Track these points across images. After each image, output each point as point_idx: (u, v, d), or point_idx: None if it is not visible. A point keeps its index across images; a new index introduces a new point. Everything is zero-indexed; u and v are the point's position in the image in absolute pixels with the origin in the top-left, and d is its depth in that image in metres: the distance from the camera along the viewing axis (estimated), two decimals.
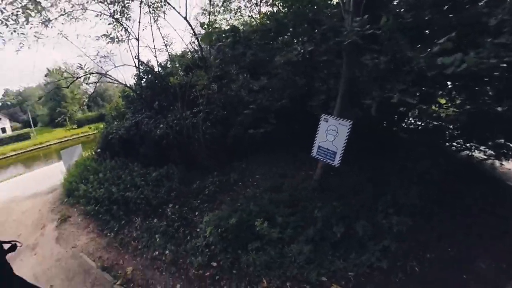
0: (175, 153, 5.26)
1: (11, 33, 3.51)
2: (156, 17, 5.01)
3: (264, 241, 2.93)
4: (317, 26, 3.45)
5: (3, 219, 5.02)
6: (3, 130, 33.52)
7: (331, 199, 3.41)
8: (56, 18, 4.00)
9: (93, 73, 5.09)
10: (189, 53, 6.85)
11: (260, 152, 5.25)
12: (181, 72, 5.70)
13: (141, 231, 3.72)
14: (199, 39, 5.40)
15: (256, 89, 4.75)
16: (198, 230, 3.43)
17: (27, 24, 3.62)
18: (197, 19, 6.23)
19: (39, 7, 3.66)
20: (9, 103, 43.42)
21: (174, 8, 4.76)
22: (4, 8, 3.31)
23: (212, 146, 5.28)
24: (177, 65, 6.52)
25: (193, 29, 4.90)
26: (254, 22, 6.18)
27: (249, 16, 7.53)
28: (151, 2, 4.82)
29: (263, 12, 6.59)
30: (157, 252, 3.31)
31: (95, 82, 5.93)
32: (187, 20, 4.76)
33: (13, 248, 1.13)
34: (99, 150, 6.56)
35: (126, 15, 4.67)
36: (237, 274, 2.75)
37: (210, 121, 5.26)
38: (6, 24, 3.40)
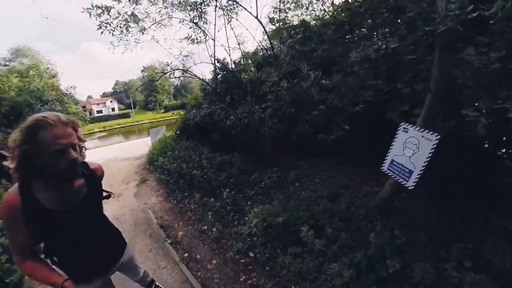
0: (241, 143, 5.64)
1: (118, 40, 4.71)
2: (229, 19, 5.42)
3: (305, 249, 2.73)
4: (400, 15, 2.87)
5: (105, 170, 6.67)
6: (113, 109, 48.72)
7: (393, 225, 2.90)
8: (149, 27, 5.04)
9: (177, 70, 5.89)
10: (261, 51, 7.06)
11: (324, 155, 5.04)
12: (252, 69, 5.96)
13: (198, 206, 4.14)
14: (269, 36, 5.56)
15: (327, 88, 4.53)
16: (246, 218, 3.55)
17: (128, 33, 4.69)
18: (268, 17, 6.43)
19: (137, 19, 4.70)
20: (118, 90, 61.39)
21: (245, 8, 5.04)
22: (111, 22, 4.36)
23: (276, 142, 5.40)
24: (249, 62, 6.84)
25: (264, 27, 5.10)
26: (327, 16, 5.91)
27: (321, 10, 7.13)
28: (224, 6, 5.23)
29: (336, 4, 6.20)
30: (206, 227, 3.60)
31: (178, 77, 6.85)
32: (258, 19, 5.00)
33: (107, 196, 1.40)
34: (178, 132, 7.68)
35: (203, 19, 5.30)
36: (269, 271, 2.70)
37: (277, 117, 5.41)
38: (112, 34, 4.52)
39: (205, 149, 5.95)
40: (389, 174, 2.83)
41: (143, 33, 4.92)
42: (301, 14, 7.24)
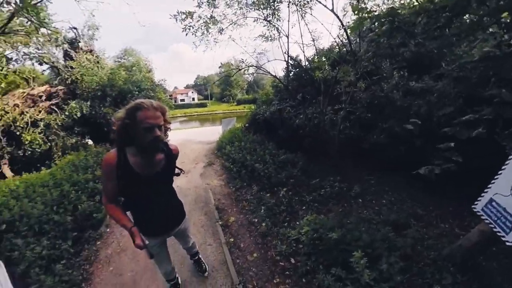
0: (307, 144, 5.49)
1: (199, 41, 5.26)
2: (303, 14, 5.16)
3: (350, 276, 2.35)
4: None
5: (180, 149, 8.01)
6: (193, 99, 58.03)
7: (467, 285, 2.25)
8: (226, 27, 5.37)
9: (251, 66, 6.11)
10: (337, 47, 6.52)
11: (399, 174, 4.42)
12: (327, 67, 5.60)
13: (254, 197, 4.27)
14: (349, 29, 5.02)
15: (415, 92, 3.89)
16: (297, 223, 3.43)
17: (208, 33, 5.19)
18: (344, 10, 5.77)
19: (215, 21, 5.14)
20: (198, 83, 71.86)
21: (320, 2, 4.65)
22: (194, 25, 4.92)
23: (344, 148, 5.05)
24: (324, 59, 6.46)
25: (340, 21, 4.63)
26: (416, 2, 4.84)
27: None
28: (297, 1, 5.00)
29: None
30: (256, 220, 3.66)
31: (252, 73, 7.09)
32: (334, 13, 4.56)
33: (178, 173, 1.69)
34: (247, 125, 8.15)
35: (276, 16, 5.23)
36: (305, 284, 2.53)
37: (349, 121, 5.02)
38: (195, 35, 5.08)
39: (270, 144, 6.09)
40: (482, 217, 2.08)
41: (221, 33, 5.34)
42: (383, 3, 6.30)
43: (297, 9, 5.00)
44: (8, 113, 6.56)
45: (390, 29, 2.80)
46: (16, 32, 4.53)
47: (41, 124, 6.94)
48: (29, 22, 4.71)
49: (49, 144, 7.10)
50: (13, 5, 3.50)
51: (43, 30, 6.06)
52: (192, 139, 10.15)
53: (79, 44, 8.17)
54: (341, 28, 5.57)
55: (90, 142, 8.31)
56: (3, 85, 6.64)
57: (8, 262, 2.73)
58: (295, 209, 3.86)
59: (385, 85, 4.55)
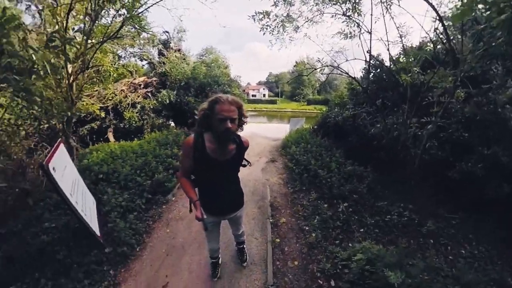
0: (380, 158, 4.85)
1: (275, 39, 5.22)
2: (388, 6, 4.33)
3: None
4: None
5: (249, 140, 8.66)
6: (264, 95, 61.31)
7: None
8: (302, 25, 5.13)
9: (327, 66, 5.71)
10: (430, 44, 5.33)
11: (494, 220, 3.49)
12: (415, 69, 4.59)
13: (310, 204, 4.06)
14: (451, 19, 3.91)
15: None
16: (350, 245, 3.11)
17: (284, 32, 5.10)
18: None
19: (291, 19, 5.01)
20: (270, 80, 72.99)
21: None
22: (271, 24, 4.93)
23: (426, 171, 4.24)
24: (411, 59, 5.38)
25: (436, 11, 3.65)
26: None
27: None
28: None
29: None
30: (307, 228, 3.49)
31: (327, 74, 6.62)
32: (428, 2, 3.62)
33: (245, 165, 1.91)
34: (315, 127, 7.82)
35: (357, 10, 4.59)
36: None
37: (438, 139, 4.15)
38: (272, 34, 5.06)
39: (338, 151, 5.70)
40: None
41: (296, 31, 5.20)
42: None
43: (381, 1, 4.35)
44: (116, 95, 8.40)
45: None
46: (124, 37, 5.71)
47: (138, 106, 8.62)
48: (133, 29, 5.84)
49: (141, 121, 8.70)
50: (122, 16, 4.49)
51: (143, 34, 7.38)
52: (259, 134, 10.63)
53: (170, 44, 9.78)
54: (435, 19, 4.60)
55: (172, 124, 9.74)
56: (115, 75, 8.45)
57: (98, 201, 3.57)
58: (351, 228, 3.49)
59: (496, 96, 3.51)
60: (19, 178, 3.63)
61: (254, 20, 4.81)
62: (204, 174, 1.74)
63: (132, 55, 9.68)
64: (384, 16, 4.43)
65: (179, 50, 9.81)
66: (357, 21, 4.68)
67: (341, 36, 4.90)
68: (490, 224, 3.51)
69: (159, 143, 6.49)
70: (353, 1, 4.49)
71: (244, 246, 2.80)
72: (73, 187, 2.59)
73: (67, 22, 4.04)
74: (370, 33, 4.61)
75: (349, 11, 4.65)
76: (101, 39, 4.55)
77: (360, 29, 4.74)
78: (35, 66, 2.22)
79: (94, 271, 2.67)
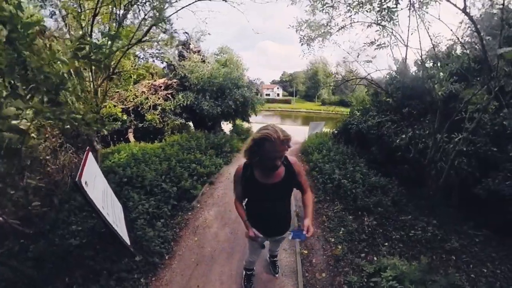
0: (404, 171, 4.99)
1: (308, 48, 5.36)
2: (422, 14, 4.26)
3: None
4: None
5: None
6: (278, 95, 62.30)
7: None
8: (334, 33, 5.11)
9: (359, 78, 5.73)
10: (457, 49, 5.27)
11: None
12: (444, 76, 4.44)
13: (335, 215, 4.25)
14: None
15: None
16: (375, 258, 3.29)
17: (314, 40, 5.19)
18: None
19: (324, 27, 5.03)
20: (284, 79, 73.45)
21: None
22: (311, 35, 5.01)
23: (452, 187, 4.38)
24: (440, 67, 5.24)
25: (471, 18, 3.63)
26: None
27: None
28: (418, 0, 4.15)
29: None
30: (333, 239, 3.69)
31: (355, 84, 6.66)
32: (465, 12, 3.59)
33: (298, 187, 2.00)
34: (336, 132, 7.96)
35: (392, 19, 4.48)
36: None
37: (465, 153, 4.11)
38: (308, 45, 5.23)
39: (361, 161, 5.85)
40: None
41: (327, 39, 5.21)
42: None
43: (415, 9, 4.27)
44: (137, 97, 8.77)
45: None
46: (148, 40, 5.82)
47: (159, 108, 8.96)
48: (161, 32, 5.96)
49: (162, 123, 9.06)
50: (150, 19, 4.54)
51: (162, 35, 7.40)
52: None
53: (190, 46, 10.05)
54: (469, 27, 4.48)
55: (191, 125, 10.13)
56: (134, 76, 8.84)
57: (123, 206, 3.63)
58: (376, 242, 3.68)
59: None
60: (44, 179, 3.77)
61: (296, 31, 4.92)
62: (255, 198, 1.92)
63: (150, 56, 10.10)
64: (418, 26, 4.36)
65: (198, 51, 10.10)
66: (392, 31, 4.63)
67: (374, 46, 4.87)
68: None
69: (182, 147, 6.83)
70: (387, 9, 4.36)
71: (277, 259, 3.02)
72: (104, 197, 2.66)
73: (92, 27, 4.16)
74: (407, 45, 4.58)
75: (383, 21, 4.58)
76: (127, 44, 4.63)
77: (395, 39, 4.69)
78: (64, 81, 2.09)
79: (125, 279, 2.75)
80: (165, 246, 3.38)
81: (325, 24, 4.92)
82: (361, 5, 4.46)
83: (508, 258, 3.53)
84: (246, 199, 2.03)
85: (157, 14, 4.51)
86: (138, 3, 4.32)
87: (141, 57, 10.08)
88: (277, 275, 2.96)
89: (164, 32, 5.87)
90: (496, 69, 3.55)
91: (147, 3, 4.25)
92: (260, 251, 2.47)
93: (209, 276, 2.96)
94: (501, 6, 3.67)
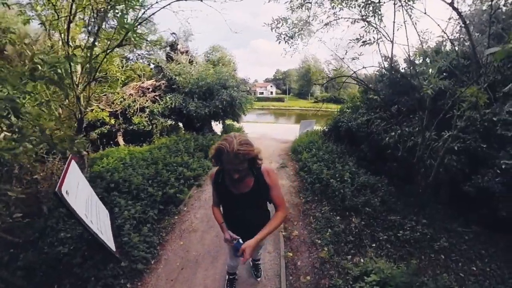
0: (393, 169, 4.96)
1: (290, 46, 5.22)
2: (409, 9, 4.17)
3: None
4: None
5: (256, 143, 9.19)
6: (271, 93, 62.46)
7: None
8: (317, 30, 5.06)
9: (344, 76, 5.67)
10: (447, 45, 5.24)
11: (509, 238, 3.58)
12: (434, 73, 4.40)
13: (322, 217, 4.17)
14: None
15: None
16: (362, 260, 3.23)
17: (300, 39, 5.11)
18: None
19: (309, 28, 4.98)
20: (277, 77, 73.93)
21: None
22: (288, 33, 4.90)
23: (440, 184, 4.34)
24: (429, 62, 5.21)
25: (460, 15, 3.58)
26: None
27: None
28: None
29: None
30: (319, 241, 3.61)
31: (342, 82, 6.56)
32: (453, 7, 3.55)
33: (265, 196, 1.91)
34: (326, 129, 7.91)
35: (377, 15, 4.40)
36: None
37: (454, 150, 4.03)
38: (287, 42, 5.06)
39: (350, 159, 5.82)
40: None
41: (310, 36, 5.15)
42: None
43: (402, 5, 4.20)
44: (125, 99, 8.66)
45: None
46: (128, 44, 5.65)
47: (147, 110, 8.87)
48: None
49: (150, 126, 9.01)
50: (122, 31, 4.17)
51: (150, 37, 7.57)
52: (267, 135, 10.97)
53: (178, 46, 9.98)
54: (458, 23, 4.43)
55: (180, 125, 10.10)
56: (122, 78, 8.72)
57: (110, 212, 3.64)
58: (363, 243, 3.62)
59: None
60: (32, 187, 3.76)
61: (272, 29, 4.78)
62: (225, 205, 1.94)
63: (140, 57, 10.07)
64: (405, 22, 4.26)
65: (186, 52, 10.04)
66: (377, 27, 4.54)
67: (360, 43, 4.78)
68: (503, 241, 3.61)
69: (170, 150, 6.75)
70: (373, 5, 4.32)
71: (259, 262, 2.99)
72: (87, 205, 2.67)
73: (68, 34, 4.12)
74: (392, 41, 4.47)
75: (369, 16, 4.52)
76: (106, 47, 4.56)
77: (380, 35, 4.59)
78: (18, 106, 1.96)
79: (112, 285, 2.76)
80: (151, 251, 3.37)
81: (305, 21, 4.82)
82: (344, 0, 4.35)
83: (496, 255, 3.53)
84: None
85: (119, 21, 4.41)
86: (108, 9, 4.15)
87: (130, 58, 10.05)
88: (259, 279, 2.92)
89: (140, 39, 5.76)
90: (485, 65, 3.56)
91: (110, 12, 4.08)
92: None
93: (193, 281, 2.97)
94: (489, 3, 3.65)
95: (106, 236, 2.84)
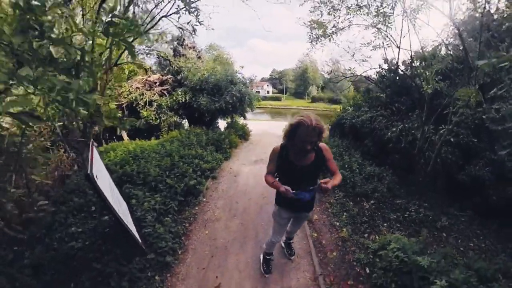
0: (396, 160, 5.52)
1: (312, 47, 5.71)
2: (412, 19, 4.70)
3: None
4: None
5: (260, 139, 9.27)
6: (268, 92, 62.76)
7: None
8: (333, 33, 5.46)
9: (354, 75, 6.12)
10: (442, 49, 5.73)
11: (499, 219, 4.17)
12: (432, 75, 4.93)
13: (337, 202, 4.60)
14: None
15: None
16: (377, 237, 3.67)
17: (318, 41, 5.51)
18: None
19: (324, 27, 5.31)
20: (273, 77, 74.65)
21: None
22: (320, 35, 5.20)
23: (438, 174, 4.93)
24: (426, 66, 5.76)
25: (458, 29, 4.22)
26: None
27: None
28: (409, 7, 4.67)
29: None
30: (337, 223, 4.04)
31: (352, 81, 7.04)
32: (451, 20, 4.17)
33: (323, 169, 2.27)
34: (330, 126, 8.46)
35: (387, 23, 4.95)
36: None
37: (450, 143, 4.71)
38: (318, 43, 5.49)
39: (356, 153, 6.33)
40: None
41: (330, 41, 5.55)
42: None
43: (407, 15, 4.66)
44: (131, 93, 8.78)
45: None
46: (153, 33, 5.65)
47: (155, 104, 9.03)
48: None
49: (158, 120, 9.15)
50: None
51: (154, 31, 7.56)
52: (270, 132, 11.39)
53: (184, 41, 10.14)
54: (453, 29, 4.97)
55: (186, 123, 10.29)
56: (126, 72, 8.84)
57: (127, 204, 3.49)
58: (376, 223, 4.12)
59: (503, 105, 3.93)
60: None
61: (311, 34, 5.25)
62: (286, 176, 2.15)
63: (143, 52, 10.13)
64: (409, 31, 4.90)
65: (193, 47, 10.23)
66: (387, 34, 5.09)
67: (370, 48, 5.33)
68: (495, 223, 4.21)
69: (183, 143, 6.95)
70: (384, 14, 4.85)
71: (293, 241, 3.28)
72: (112, 194, 2.56)
73: (99, 10, 3.91)
74: (399, 48, 5.05)
75: (379, 24, 5.06)
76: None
77: (388, 41, 5.14)
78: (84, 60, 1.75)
79: (139, 278, 2.69)
80: (177, 241, 3.39)
81: (331, 25, 5.31)
82: (359, 8, 4.87)
83: (490, 235, 4.11)
84: (278, 178, 2.27)
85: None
86: None
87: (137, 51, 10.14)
88: (292, 257, 3.19)
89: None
90: (476, 69, 4.10)
91: None
92: (285, 231, 2.73)
93: (226, 266, 3.06)
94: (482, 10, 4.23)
95: (131, 226, 2.74)
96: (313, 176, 2.20)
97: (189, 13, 4.59)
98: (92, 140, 2.72)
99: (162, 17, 4.82)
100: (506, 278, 3.16)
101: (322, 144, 2.11)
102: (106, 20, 1.77)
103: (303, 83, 54.34)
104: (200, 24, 4.84)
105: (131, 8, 4.60)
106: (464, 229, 4.16)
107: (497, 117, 4.09)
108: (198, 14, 4.73)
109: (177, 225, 3.69)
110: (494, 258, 3.59)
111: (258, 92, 59.28)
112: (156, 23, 4.93)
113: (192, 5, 4.57)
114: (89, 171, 1.91)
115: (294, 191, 1.99)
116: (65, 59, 1.68)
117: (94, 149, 2.44)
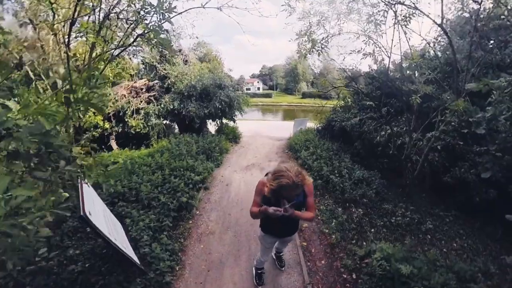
0: (384, 164, 5.79)
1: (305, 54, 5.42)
2: (403, 25, 4.67)
3: None
4: None
5: (252, 141, 9.35)
6: (258, 89, 64.03)
7: None
8: (323, 39, 5.25)
9: (340, 86, 6.25)
10: (431, 50, 5.92)
11: (481, 220, 4.48)
12: (421, 81, 5.06)
13: (326, 209, 4.83)
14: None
15: None
16: (364, 243, 3.91)
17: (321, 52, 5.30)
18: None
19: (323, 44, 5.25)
20: (263, 73, 75.71)
21: (425, 14, 4.29)
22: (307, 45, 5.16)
23: (424, 177, 5.22)
24: (414, 64, 5.85)
25: (446, 34, 4.34)
26: None
27: None
28: (400, 14, 4.64)
29: None
30: (327, 230, 4.24)
31: (345, 87, 7.16)
32: (442, 28, 4.32)
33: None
34: (320, 128, 8.69)
35: (378, 31, 4.97)
36: None
37: (437, 150, 4.96)
38: (305, 57, 5.40)
39: (346, 156, 6.56)
40: None
41: (319, 55, 5.35)
42: None
43: (398, 22, 4.55)
44: (117, 101, 8.74)
45: None
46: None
47: (142, 111, 9.00)
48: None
49: (147, 128, 9.15)
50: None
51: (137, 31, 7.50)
52: (261, 133, 11.62)
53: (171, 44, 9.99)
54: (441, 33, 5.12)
55: (176, 128, 10.41)
56: (111, 77, 8.69)
57: (121, 223, 3.53)
58: (364, 229, 4.37)
59: (489, 109, 4.16)
60: None
61: (299, 45, 5.15)
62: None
63: (127, 53, 9.93)
64: (400, 39, 4.91)
65: (180, 50, 10.19)
66: (377, 42, 5.13)
67: (361, 56, 5.34)
68: (478, 222, 4.53)
69: (172, 154, 6.88)
70: (375, 22, 4.83)
71: (283, 253, 3.50)
72: (106, 221, 2.60)
73: (69, 37, 3.94)
74: (389, 56, 5.09)
75: (370, 31, 5.08)
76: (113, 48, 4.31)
77: (379, 48, 5.16)
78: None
79: None
80: (174, 258, 3.50)
81: (320, 38, 5.23)
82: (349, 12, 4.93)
83: (473, 233, 4.45)
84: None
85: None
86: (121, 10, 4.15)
87: (119, 55, 10.02)
88: (283, 268, 3.42)
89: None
90: (465, 71, 4.28)
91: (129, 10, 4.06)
92: (271, 252, 2.95)
93: (222, 280, 3.25)
94: (471, 10, 4.33)
95: (129, 250, 2.83)
96: (296, 209, 2.33)
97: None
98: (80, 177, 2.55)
99: (139, 35, 4.77)
100: (486, 279, 3.47)
101: (307, 180, 2.13)
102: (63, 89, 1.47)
103: (293, 79, 55.84)
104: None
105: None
106: (448, 230, 4.47)
107: (481, 121, 4.29)
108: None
109: (173, 242, 3.78)
110: (475, 258, 3.90)
111: (249, 89, 59.60)
112: (132, 43, 4.86)
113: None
114: (82, 213, 1.97)
115: (281, 208, 2.06)
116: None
117: (84, 186, 2.41)
